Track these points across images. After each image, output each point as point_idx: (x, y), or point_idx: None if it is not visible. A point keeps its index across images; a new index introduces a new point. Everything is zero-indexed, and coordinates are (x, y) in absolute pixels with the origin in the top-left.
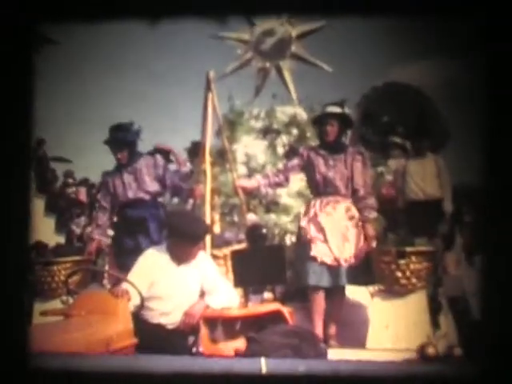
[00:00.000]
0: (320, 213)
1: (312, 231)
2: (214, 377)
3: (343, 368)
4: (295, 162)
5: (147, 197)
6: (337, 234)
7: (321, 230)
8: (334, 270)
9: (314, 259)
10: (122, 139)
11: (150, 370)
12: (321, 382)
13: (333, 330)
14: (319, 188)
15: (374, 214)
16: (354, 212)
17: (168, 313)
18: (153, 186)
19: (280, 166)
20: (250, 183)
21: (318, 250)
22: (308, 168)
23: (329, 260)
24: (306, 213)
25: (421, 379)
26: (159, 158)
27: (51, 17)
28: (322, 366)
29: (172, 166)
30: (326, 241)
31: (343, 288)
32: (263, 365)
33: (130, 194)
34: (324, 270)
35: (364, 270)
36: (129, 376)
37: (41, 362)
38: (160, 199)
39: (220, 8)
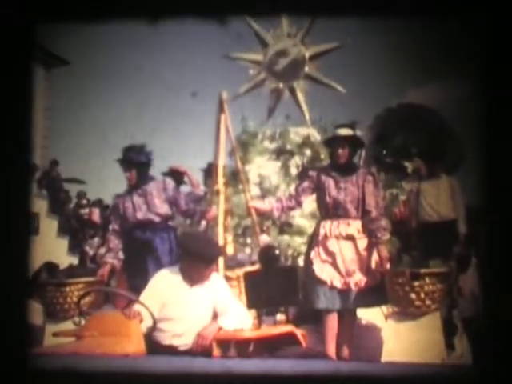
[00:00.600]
0: (330, 235)
1: (322, 254)
2: (215, 377)
3: (343, 368)
4: (306, 184)
5: (157, 219)
6: (347, 257)
7: (331, 253)
8: (344, 293)
9: (324, 283)
10: (133, 159)
11: (151, 371)
12: (321, 381)
13: (346, 352)
14: (329, 210)
15: (387, 236)
16: (365, 234)
17: (180, 334)
18: (162, 209)
19: (292, 190)
20: (263, 206)
21: (328, 274)
22: (318, 190)
23: (339, 283)
24: (315, 235)
25: (421, 379)
26: (169, 180)
27: (51, 17)
28: (322, 365)
29: (186, 188)
30: (335, 264)
31: (354, 311)
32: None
33: (140, 216)
34: (334, 294)
35: (375, 291)
36: (129, 376)
37: (41, 362)
38: (170, 223)
39: (220, 8)
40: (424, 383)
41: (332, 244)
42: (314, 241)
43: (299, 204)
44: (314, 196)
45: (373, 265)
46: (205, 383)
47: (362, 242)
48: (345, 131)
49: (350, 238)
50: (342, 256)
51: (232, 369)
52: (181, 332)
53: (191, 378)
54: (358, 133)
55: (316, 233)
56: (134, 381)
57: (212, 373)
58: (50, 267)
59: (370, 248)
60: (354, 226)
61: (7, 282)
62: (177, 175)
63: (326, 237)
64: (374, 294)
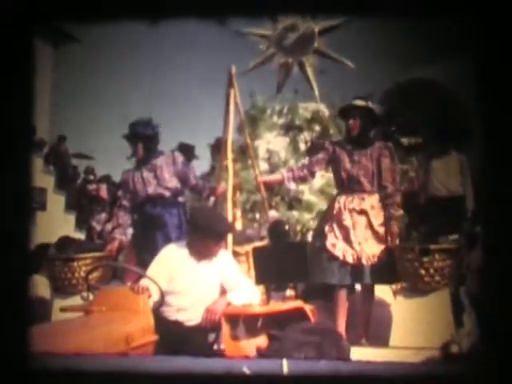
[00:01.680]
0: (344, 210)
1: (335, 229)
2: (215, 377)
3: (343, 368)
4: (321, 156)
5: (167, 193)
6: (360, 232)
7: (344, 227)
8: (356, 268)
9: (337, 258)
10: (139, 132)
11: (151, 370)
12: (321, 381)
13: (366, 328)
14: (344, 184)
15: (400, 212)
16: (379, 209)
17: (185, 308)
18: (172, 182)
19: (305, 160)
20: (274, 176)
21: (340, 249)
22: (333, 163)
23: (351, 259)
24: (330, 210)
25: (421, 379)
26: (177, 154)
27: (51, 17)
28: (322, 366)
29: (196, 163)
30: (348, 239)
31: (370, 286)
32: (285, 365)
33: (150, 190)
34: (347, 269)
35: (387, 268)
36: (129, 376)
37: (41, 362)
38: (180, 198)
39: (220, 8)
40: (423, 383)
41: (346, 218)
42: (328, 215)
43: (312, 174)
44: (323, 172)
45: (384, 241)
46: (205, 383)
47: (376, 218)
48: (357, 102)
49: (364, 212)
50: (355, 231)
51: (232, 369)
52: (186, 306)
53: (191, 378)
54: (371, 106)
55: (331, 207)
56: (134, 381)
57: (212, 373)
58: (65, 242)
59: (383, 223)
60: (369, 201)
61: (7, 281)
62: (187, 151)
63: (340, 211)
64: (386, 270)
